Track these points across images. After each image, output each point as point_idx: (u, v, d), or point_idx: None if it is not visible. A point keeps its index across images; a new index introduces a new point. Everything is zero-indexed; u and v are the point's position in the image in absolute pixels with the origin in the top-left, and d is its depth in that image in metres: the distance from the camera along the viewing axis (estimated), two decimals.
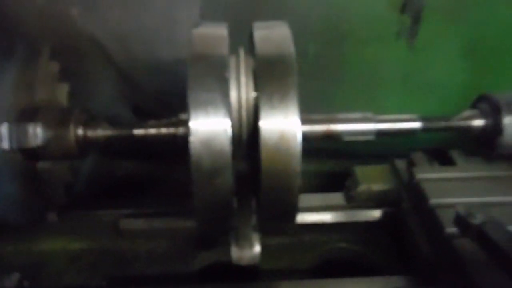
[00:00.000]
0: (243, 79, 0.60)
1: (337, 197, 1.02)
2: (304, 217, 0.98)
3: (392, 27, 1.14)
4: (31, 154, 0.65)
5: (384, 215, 0.97)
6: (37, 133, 0.62)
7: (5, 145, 0.58)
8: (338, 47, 1.19)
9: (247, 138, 0.61)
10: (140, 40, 0.91)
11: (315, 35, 1.19)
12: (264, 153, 0.56)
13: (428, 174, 0.90)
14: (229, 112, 0.56)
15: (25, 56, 0.70)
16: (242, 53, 0.63)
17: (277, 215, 0.62)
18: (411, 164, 0.98)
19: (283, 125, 0.55)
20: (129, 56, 0.93)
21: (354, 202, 0.99)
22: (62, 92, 0.71)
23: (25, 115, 0.64)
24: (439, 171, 0.92)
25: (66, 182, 0.71)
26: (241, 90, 0.60)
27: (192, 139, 0.54)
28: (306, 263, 0.95)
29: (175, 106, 0.67)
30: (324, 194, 1.03)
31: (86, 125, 0.69)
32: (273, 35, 0.62)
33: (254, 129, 0.58)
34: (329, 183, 1.12)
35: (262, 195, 0.58)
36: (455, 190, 0.85)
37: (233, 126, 0.58)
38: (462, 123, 0.71)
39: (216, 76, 0.56)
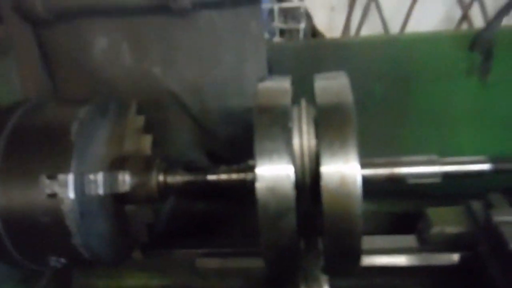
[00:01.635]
0: (304, 128, 0.64)
1: (409, 240, 1.00)
2: (375, 260, 0.97)
3: (462, 64, 1.14)
4: (120, 198, 0.74)
5: (460, 259, 0.93)
6: (125, 180, 0.71)
7: (100, 191, 0.67)
8: (405, 86, 1.20)
9: (310, 183, 0.64)
10: (212, 92, 1.00)
11: (382, 76, 1.21)
12: (325, 197, 0.59)
13: (507, 217, 0.85)
14: (292, 159, 0.60)
15: (117, 112, 0.80)
16: (303, 103, 0.68)
17: (340, 258, 0.63)
18: (488, 206, 0.94)
19: (343, 170, 0.58)
20: (203, 107, 1.02)
21: (427, 244, 0.97)
22: (146, 143, 0.80)
23: (115, 164, 0.74)
24: None
25: (148, 222, 0.79)
26: (303, 138, 0.64)
27: (258, 184, 0.59)
28: None
29: (245, 151, 0.73)
30: (396, 236, 1.02)
31: (166, 171, 0.77)
32: (332, 85, 0.66)
33: (316, 175, 0.62)
34: (401, 225, 1.10)
35: (325, 237, 0.60)
36: None
37: (296, 172, 0.62)
38: None
39: (280, 126, 0.61)
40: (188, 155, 1.11)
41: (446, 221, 0.96)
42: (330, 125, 0.60)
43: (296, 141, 0.64)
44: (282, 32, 1.59)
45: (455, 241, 0.94)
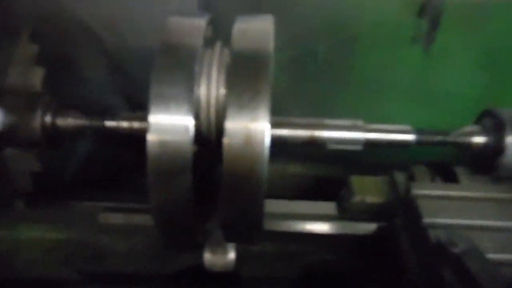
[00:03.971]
0: (214, 75, 0.55)
1: (329, 207, 0.96)
2: (292, 225, 0.93)
3: (407, 31, 1.09)
4: None
5: (377, 229, 0.91)
6: None
7: None
8: (348, 49, 1.14)
9: (216, 138, 0.56)
10: (131, 27, 0.88)
11: (325, 36, 1.15)
12: (227, 156, 0.51)
13: (426, 191, 0.83)
14: (194, 109, 0.51)
15: (3, 37, 0.67)
16: (218, 46, 0.59)
17: (239, 224, 0.57)
18: (410, 178, 0.92)
19: (250, 127, 0.50)
20: (121, 44, 0.90)
21: (347, 213, 0.94)
22: (36, 77, 0.68)
23: None
24: (439, 188, 0.85)
25: (33, 170, 0.68)
26: (211, 87, 0.55)
27: (150, 137, 0.50)
28: (288, 272, 0.90)
29: None
30: (315, 202, 0.98)
31: (56, 112, 0.65)
32: (253, 29, 0.57)
33: (222, 129, 0.54)
34: (323, 189, 1.07)
35: (223, 200, 0.53)
36: (452, 210, 0.78)
37: (199, 125, 0.53)
38: (461, 139, 0.65)
39: (184, 70, 0.52)
40: (106, 100, 1.00)
41: (368, 190, 0.93)
42: (241, 74, 0.52)
43: (202, 89, 0.55)
44: None
45: (374, 211, 0.91)
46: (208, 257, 0.73)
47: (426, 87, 1.10)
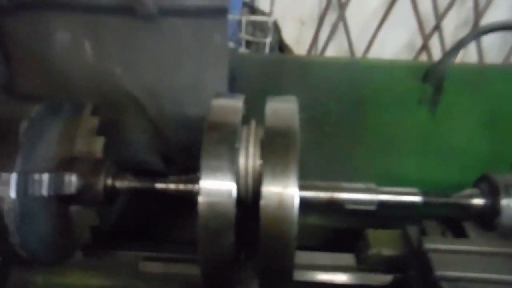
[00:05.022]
0: (251, 149, 0.67)
1: (348, 258, 1.04)
2: (313, 276, 1.01)
3: (414, 94, 1.20)
4: (65, 199, 0.74)
5: (393, 280, 0.98)
6: (72, 182, 0.71)
7: (45, 192, 0.67)
8: (360, 109, 1.25)
9: (252, 202, 0.67)
10: (170, 98, 1.01)
11: (340, 97, 1.26)
12: (263, 217, 0.61)
13: (437, 245, 0.91)
14: (236, 178, 0.62)
15: (70, 112, 0.80)
16: (253, 124, 0.71)
17: (273, 277, 0.66)
18: (422, 233, 1.00)
19: (282, 194, 0.61)
20: (161, 111, 1.02)
21: (364, 264, 1.01)
22: (98, 145, 0.80)
23: (63, 164, 0.74)
24: (449, 243, 0.93)
25: (93, 225, 0.79)
26: (249, 159, 0.67)
27: (201, 200, 0.61)
28: None
29: (199, 158, 0.74)
30: (335, 254, 1.06)
31: (115, 176, 0.77)
32: (282, 109, 0.69)
33: (258, 194, 0.65)
34: (341, 241, 1.15)
35: (260, 255, 0.63)
36: (463, 264, 0.86)
37: (239, 190, 0.64)
38: (462, 201, 0.74)
39: (227, 145, 0.64)
40: (143, 158, 1.12)
41: (383, 243, 1.01)
42: (274, 149, 0.63)
43: (241, 161, 0.67)
44: (249, 44, 1.61)
45: (390, 263, 0.99)
46: None
47: (433, 144, 1.20)
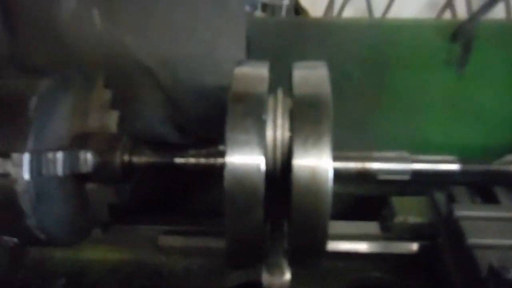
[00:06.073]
0: (279, 121, 0.62)
1: (372, 226, 1.02)
2: (338, 245, 0.99)
3: (441, 55, 1.14)
4: (81, 178, 0.70)
5: (419, 248, 0.96)
6: (87, 159, 0.67)
7: (60, 171, 0.63)
8: (382, 72, 1.19)
9: (281, 176, 0.63)
10: (185, 67, 0.95)
11: (361, 60, 1.21)
12: (295, 191, 0.57)
13: (468, 212, 0.87)
14: (264, 152, 0.58)
15: (81, 85, 0.75)
16: (280, 94, 0.66)
17: (305, 252, 0.63)
18: (450, 199, 0.96)
19: (315, 166, 0.57)
20: (176, 82, 0.97)
21: (389, 232, 0.99)
22: (112, 119, 0.76)
23: (77, 141, 0.70)
24: (481, 209, 0.90)
25: (110, 203, 0.76)
26: (277, 131, 0.62)
27: (227, 177, 0.57)
28: None
29: (217, 129, 0.70)
30: (359, 222, 1.04)
31: (132, 151, 0.73)
32: (311, 76, 0.64)
33: (287, 168, 0.60)
34: (365, 208, 1.12)
35: (292, 231, 0.60)
36: (496, 231, 0.83)
37: (267, 165, 0.60)
38: (504, 168, 0.70)
39: (254, 118, 0.59)
40: (158, 130, 1.08)
41: (409, 211, 0.98)
42: (305, 120, 0.59)
43: (269, 133, 0.62)
44: (264, 7, 1.53)
45: (416, 231, 0.96)
46: (266, 277, 0.79)
47: (460, 107, 1.14)
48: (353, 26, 1.27)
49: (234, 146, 0.58)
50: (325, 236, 0.60)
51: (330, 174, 0.57)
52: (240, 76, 0.64)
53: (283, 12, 1.53)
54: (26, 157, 0.59)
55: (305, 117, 0.59)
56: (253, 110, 0.59)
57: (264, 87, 0.62)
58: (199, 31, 0.94)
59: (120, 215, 0.83)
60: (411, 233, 0.97)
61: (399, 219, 0.97)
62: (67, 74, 0.72)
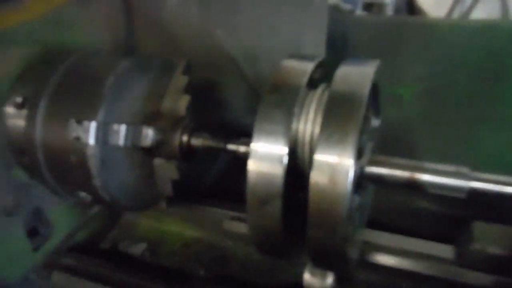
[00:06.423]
0: (311, 115, 0.62)
1: (446, 250, 0.92)
2: (405, 262, 0.92)
3: None
4: (146, 151, 0.79)
5: (495, 284, 0.83)
6: (148, 135, 0.76)
7: (121, 142, 0.73)
8: (495, 83, 1.08)
9: (309, 172, 0.62)
10: (268, 60, 0.99)
11: (470, 67, 1.11)
12: (312, 188, 0.57)
13: None
14: (289, 145, 0.58)
15: (160, 70, 0.84)
16: (321, 88, 0.65)
17: (323, 253, 0.62)
18: None
19: (336, 165, 0.55)
20: (258, 74, 1.02)
21: (463, 259, 0.88)
22: (183, 103, 0.83)
23: (147, 119, 0.79)
24: None
25: (173, 178, 0.84)
26: (307, 124, 0.62)
27: (250, 163, 0.59)
28: None
29: None
30: (434, 243, 0.95)
31: (192, 133, 0.80)
32: (354, 73, 0.61)
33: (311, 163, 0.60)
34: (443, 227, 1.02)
35: (308, 230, 0.59)
36: None
37: (295, 158, 0.60)
38: None
39: (283, 109, 0.60)
40: (243, 120, 1.14)
41: (490, 239, 0.86)
42: (334, 116, 0.57)
43: (299, 127, 0.62)
44: (369, 6, 1.48)
45: (495, 263, 0.84)
46: (307, 277, 0.78)
47: None
48: (466, 27, 1.16)
49: (259, 135, 0.59)
50: (343, 239, 0.58)
51: (350, 174, 0.55)
52: (282, 68, 0.65)
53: (388, 11, 1.45)
54: (93, 125, 0.69)
55: (333, 113, 0.57)
56: (284, 101, 0.60)
57: (302, 80, 0.62)
58: (282, 26, 0.96)
59: (190, 194, 0.90)
60: (488, 265, 0.85)
61: (476, 246, 0.86)
62: (146, 59, 0.82)
